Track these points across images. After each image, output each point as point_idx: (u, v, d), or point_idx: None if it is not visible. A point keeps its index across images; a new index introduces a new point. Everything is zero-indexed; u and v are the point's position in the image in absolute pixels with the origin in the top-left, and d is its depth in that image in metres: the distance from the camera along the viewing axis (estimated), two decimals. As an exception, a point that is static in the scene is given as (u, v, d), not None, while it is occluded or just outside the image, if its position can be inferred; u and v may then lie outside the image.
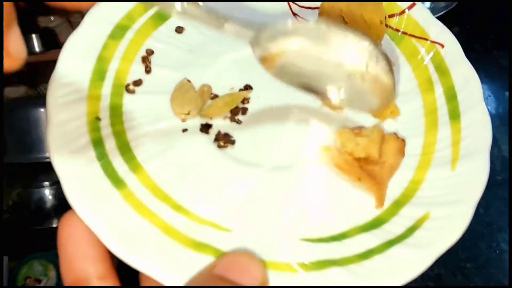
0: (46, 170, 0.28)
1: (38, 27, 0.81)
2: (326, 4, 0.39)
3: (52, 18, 0.83)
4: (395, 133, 0.34)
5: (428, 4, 0.71)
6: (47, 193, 0.70)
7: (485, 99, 0.63)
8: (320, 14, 0.39)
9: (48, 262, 0.66)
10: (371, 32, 0.37)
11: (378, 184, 0.32)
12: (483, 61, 0.71)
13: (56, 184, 0.64)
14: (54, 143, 0.30)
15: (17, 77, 0.77)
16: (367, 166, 0.32)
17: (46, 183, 0.70)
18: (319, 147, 0.33)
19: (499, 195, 0.61)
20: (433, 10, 0.70)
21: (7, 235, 0.58)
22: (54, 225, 0.69)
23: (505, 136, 0.65)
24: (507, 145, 0.64)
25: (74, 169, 0.29)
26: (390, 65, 0.29)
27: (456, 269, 0.57)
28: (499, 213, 0.60)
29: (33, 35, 0.80)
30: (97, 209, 0.28)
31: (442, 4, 0.71)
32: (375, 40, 0.38)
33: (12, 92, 0.75)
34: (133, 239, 0.28)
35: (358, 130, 0.34)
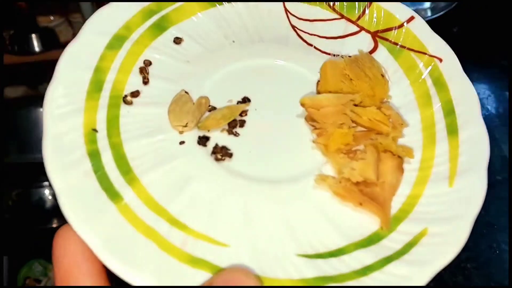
0: (46, 170, 0.29)
1: (38, 26, 0.81)
2: (328, 63, 0.38)
3: (52, 17, 0.83)
4: (390, 151, 0.34)
5: (428, 4, 0.72)
6: (47, 193, 0.69)
7: (486, 98, 0.63)
8: (324, 73, 0.38)
9: (47, 263, 0.66)
10: (377, 88, 0.37)
11: (380, 206, 0.31)
12: (483, 61, 0.71)
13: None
14: (50, 154, 0.29)
15: (17, 77, 0.77)
16: (367, 189, 0.32)
17: (46, 183, 0.70)
18: (315, 178, 0.33)
19: (499, 195, 0.61)
20: (433, 10, 0.70)
21: (7, 236, 0.57)
22: (54, 225, 0.68)
23: (504, 136, 0.64)
24: (507, 144, 0.64)
25: (70, 181, 0.29)
26: None
27: (457, 269, 0.57)
28: (499, 213, 0.60)
29: (33, 35, 0.80)
30: (93, 223, 0.28)
31: (442, 4, 0.71)
32: (383, 96, 0.37)
33: (12, 92, 0.75)
34: (129, 253, 0.27)
35: (352, 154, 0.34)
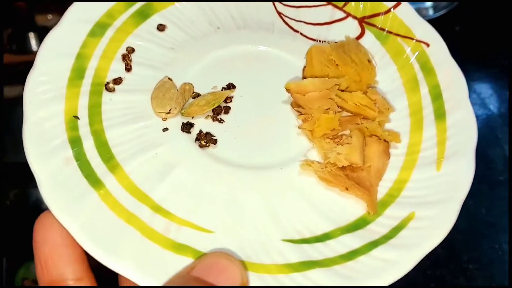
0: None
1: (35, 25, 0.80)
2: (314, 48, 0.37)
3: (49, 16, 0.82)
4: (376, 135, 0.33)
5: (429, 3, 0.71)
6: None
7: (488, 98, 0.62)
8: (309, 59, 0.37)
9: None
10: (364, 74, 0.36)
11: (367, 190, 0.31)
12: (485, 60, 0.70)
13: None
14: (31, 141, 0.29)
15: (15, 76, 0.77)
16: (353, 173, 0.32)
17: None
18: (300, 164, 0.32)
19: (501, 195, 0.60)
20: (435, 9, 0.70)
21: (4, 236, 0.57)
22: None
23: (507, 136, 0.64)
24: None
25: (50, 168, 0.28)
26: None
27: (458, 270, 0.56)
28: (502, 214, 0.59)
29: (31, 34, 0.79)
30: (74, 209, 0.27)
31: (444, 2, 0.71)
32: (369, 82, 0.36)
33: (10, 91, 0.75)
34: (110, 240, 0.27)
35: (338, 139, 0.33)
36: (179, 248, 0.28)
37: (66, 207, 0.27)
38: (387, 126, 0.35)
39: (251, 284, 0.27)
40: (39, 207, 0.68)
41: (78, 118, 0.31)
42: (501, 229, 0.58)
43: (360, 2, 0.40)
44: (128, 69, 0.34)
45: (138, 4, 0.36)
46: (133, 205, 0.29)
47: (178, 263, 0.27)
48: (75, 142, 0.30)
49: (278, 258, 0.28)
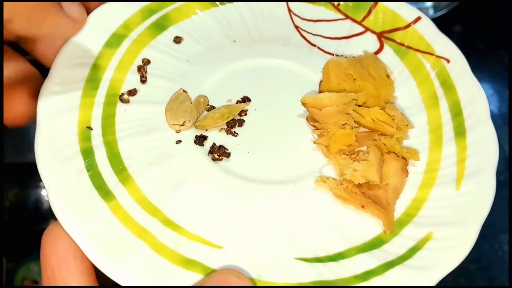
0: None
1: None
2: (331, 62, 0.37)
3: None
4: (394, 152, 0.32)
5: (430, 2, 0.71)
6: (44, 193, 0.69)
7: (488, 98, 0.61)
8: (326, 73, 0.37)
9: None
10: (382, 89, 0.36)
11: (383, 209, 0.30)
12: (486, 60, 0.69)
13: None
14: (42, 151, 0.29)
15: None
16: (370, 191, 0.31)
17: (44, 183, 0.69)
18: (315, 180, 0.32)
19: (501, 195, 0.59)
20: (435, 9, 0.69)
21: (4, 236, 0.57)
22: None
23: (507, 136, 0.63)
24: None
25: (61, 179, 0.28)
26: None
27: (458, 271, 0.55)
28: (502, 214, 0.58)
29: None
30: (83, 221, 0.27)
31: (444, 3, 0.70)
32: (388, 97, 0.36)
33: None
34: (119, 253, 0.27)
35: (355, 155, 0.33)
36: (189, 263, 0.27)
37: (75, 219, 0.27)
38: (406, 143, 0.34)
39: None
40: (39, 207, 0.68)
41: (91, 129, 0.31)
42: (501, 229, 0.57)
43: (380, 17, 0.39)
44: (143, 80, 0.34)
45: (155, 16, 0.36)
46: (143, 218, 0.28)
47: (187, 279, 0.26)
48: (88, 153, 0.30)
49: (290, 277, 0.27)
